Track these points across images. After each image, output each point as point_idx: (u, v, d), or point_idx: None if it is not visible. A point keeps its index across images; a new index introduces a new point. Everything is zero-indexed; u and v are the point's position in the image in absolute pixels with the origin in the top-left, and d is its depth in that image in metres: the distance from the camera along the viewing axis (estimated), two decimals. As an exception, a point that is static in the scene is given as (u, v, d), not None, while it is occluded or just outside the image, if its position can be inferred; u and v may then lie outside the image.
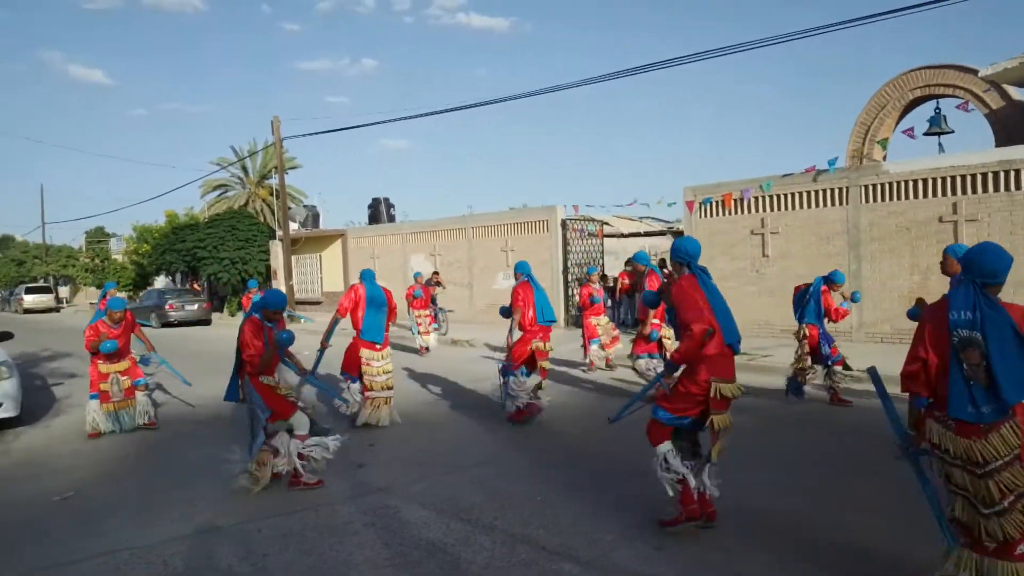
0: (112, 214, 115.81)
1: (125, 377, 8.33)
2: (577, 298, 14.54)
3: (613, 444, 7.06)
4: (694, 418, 4.67)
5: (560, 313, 18.32)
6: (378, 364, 8.11)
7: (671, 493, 4.65)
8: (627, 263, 13.45)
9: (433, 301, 16.69)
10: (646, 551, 4.42)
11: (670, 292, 4.72)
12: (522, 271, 8.24)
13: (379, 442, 7.47)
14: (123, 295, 35.09)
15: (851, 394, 8.58)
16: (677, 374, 4.73)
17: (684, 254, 4.76)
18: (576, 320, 18.75)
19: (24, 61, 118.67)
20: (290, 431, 5.84)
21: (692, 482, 4.59)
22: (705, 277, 4.71)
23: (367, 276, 8.46)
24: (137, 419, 8.40)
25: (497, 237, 20.86)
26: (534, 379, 7.90)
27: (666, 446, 4.68)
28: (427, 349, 15.02)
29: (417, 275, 16.21)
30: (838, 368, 8.50)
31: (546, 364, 8.10)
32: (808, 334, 8.54)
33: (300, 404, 5.98)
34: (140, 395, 8.47)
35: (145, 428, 8.41)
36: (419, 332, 15.14)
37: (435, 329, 15.77)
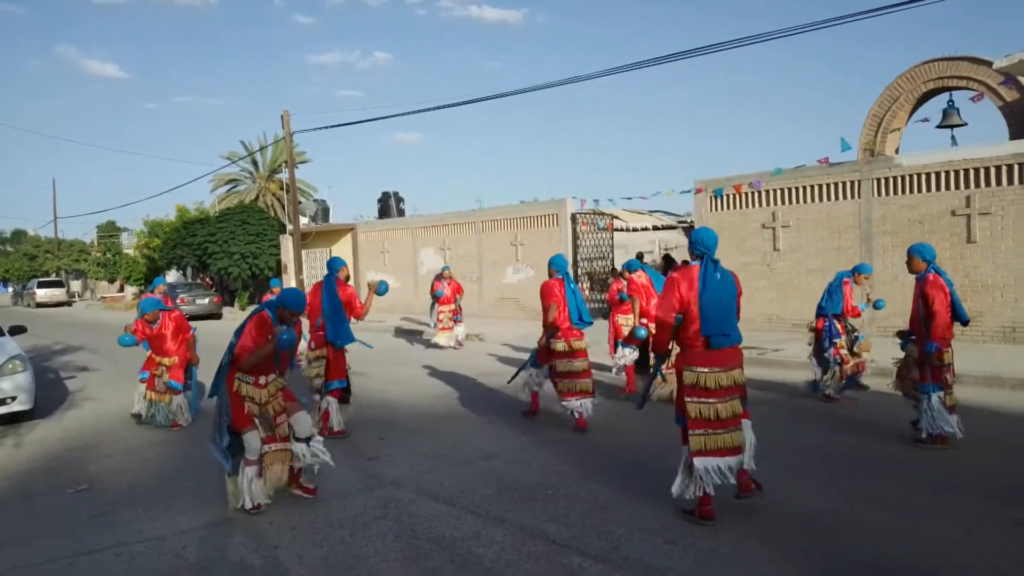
0: (123, 208, 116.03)
1: (169, 374, 8.36)
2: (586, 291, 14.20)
3: (625, 437, 7.07)
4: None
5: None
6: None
7: (692, 496, 4.77)
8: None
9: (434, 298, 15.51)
10: (657, 545, 4.42)
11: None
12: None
13: (389, 435, 7.49)
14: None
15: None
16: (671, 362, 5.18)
17: (699, 245, 4.92)
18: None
19: (38, 56, 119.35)
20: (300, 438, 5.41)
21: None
22: (710, 268, 4.84)
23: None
24: (164, 419, 8.36)
25: (507, 231, 20.84)
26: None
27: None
28: (441, 345, 14.73)
29: (445, 269, 15.50)
30: (836, 370, 8.26)
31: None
32: (816, 327, 8.51)
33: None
34: (176, 398, 8.38)
35: (172, 428, 8.33)
36: (437, 327, 14.83)
37: (457, 322, 14.97)
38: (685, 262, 5.20)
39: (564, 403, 7.52)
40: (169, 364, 8.43)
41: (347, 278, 7.84)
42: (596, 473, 5.89)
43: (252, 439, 5.22)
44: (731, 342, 4.82)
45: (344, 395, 7.69)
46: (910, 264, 6.59)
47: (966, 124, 16.64)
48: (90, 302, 44.32)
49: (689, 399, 4.77)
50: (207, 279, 33.20)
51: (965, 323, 6.50)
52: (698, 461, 4.70)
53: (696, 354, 4.80)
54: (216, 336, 19.56)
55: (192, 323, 9.22)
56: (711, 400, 4.74)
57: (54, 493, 6.09)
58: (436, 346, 14.90)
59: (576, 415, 7.43)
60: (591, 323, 7.72)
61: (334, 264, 7.84)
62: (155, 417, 8.40)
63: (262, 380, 5.34)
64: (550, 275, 7.67)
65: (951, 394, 6.37)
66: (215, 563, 4.47)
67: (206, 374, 10.51)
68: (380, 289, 7.66)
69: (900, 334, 6.94)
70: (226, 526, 5.06)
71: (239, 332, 5.35)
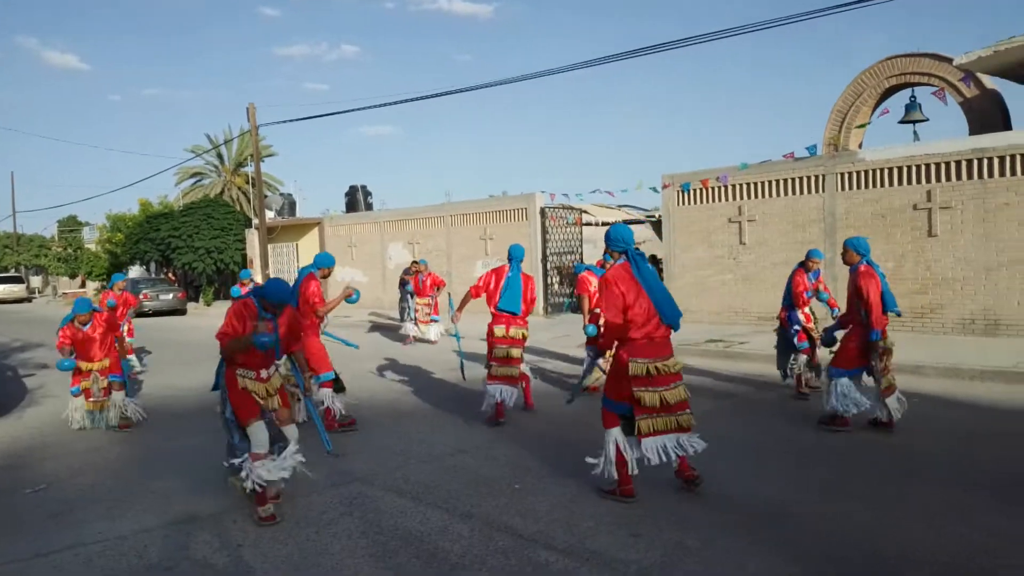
0: (85, 203, 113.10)
1: (103, 377, 8.09)
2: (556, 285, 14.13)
3: (593, 432, 7.06)
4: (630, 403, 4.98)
5: (540, 301, 18.32)
6: None
7: (609, 476, 5.06)
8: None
9: (403, 285, 15.84)
10: (623, 538, 4.44)
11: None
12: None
13: (356, 431, 7.43)
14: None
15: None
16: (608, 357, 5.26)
17: (620, 242, 5.11)
18: (556, 309, 18.79)
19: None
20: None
21: (632, 465, 5.00)
22: (640, 263, 5.02)
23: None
24: (111, 420, 8.11)
25: (476, 225, 20.80)
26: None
27: (615, 431, 5.07)
28: (411, 338, 14.74)
29: (422, 262, 15.43)
30: (803, 358, 8.28)
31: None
32: (780, 316, 8.60)
33: (275, 417, 5.19)
34: (116, 394, 8.15)
35: (120, 429, 8.06)
36: (415, 320, 14.81)
37: (434, 321, 14.87)
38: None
39: (487, 385, 7.58)
40: (99, 368, 8.12)
41: (324, 276, 7.74)
42: (564, 467, 5.89)
43: (258, 431, 4.98)
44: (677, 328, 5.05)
45: (336, 385, 7.63)
46: (845, 256, 6.85)
47: (928, 120, 16.97)
48: (50, 298, 43.42)
49: (636, 388, 4.89)
50: (171, 274, 32.68)
51: (897, 314, 6.73)
52: (645, 442, 4.90)
53: (640, 346, 4.92)
54: (180, 332, 19.35)
55: (156, 319, 9.03)
56: (659, 388, 4.90)
57: (11, 493, 5.94)
58: (405, 339, 14.85)
59: (497, 402, 7.48)
60: (515, 312, 7.66)
61: (318, 260, 7.79)
62: (100, 424, 8.10)
63: (263, 374, 5.13)
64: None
65: (887, 376, 6.62)
66: (178, 562, 4.39)
67: (161, 368, 10.36)
68: (352, 299, 7.51)
69: (825, 331, 7.15)
70: (190, 525, 4.98)
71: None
